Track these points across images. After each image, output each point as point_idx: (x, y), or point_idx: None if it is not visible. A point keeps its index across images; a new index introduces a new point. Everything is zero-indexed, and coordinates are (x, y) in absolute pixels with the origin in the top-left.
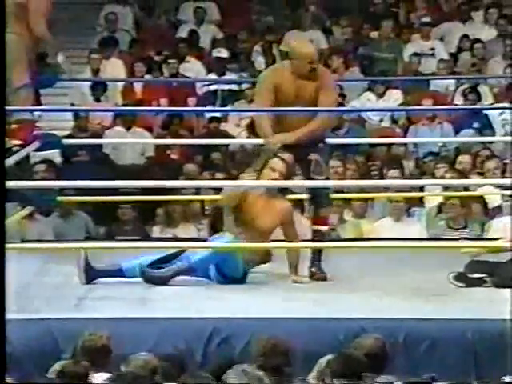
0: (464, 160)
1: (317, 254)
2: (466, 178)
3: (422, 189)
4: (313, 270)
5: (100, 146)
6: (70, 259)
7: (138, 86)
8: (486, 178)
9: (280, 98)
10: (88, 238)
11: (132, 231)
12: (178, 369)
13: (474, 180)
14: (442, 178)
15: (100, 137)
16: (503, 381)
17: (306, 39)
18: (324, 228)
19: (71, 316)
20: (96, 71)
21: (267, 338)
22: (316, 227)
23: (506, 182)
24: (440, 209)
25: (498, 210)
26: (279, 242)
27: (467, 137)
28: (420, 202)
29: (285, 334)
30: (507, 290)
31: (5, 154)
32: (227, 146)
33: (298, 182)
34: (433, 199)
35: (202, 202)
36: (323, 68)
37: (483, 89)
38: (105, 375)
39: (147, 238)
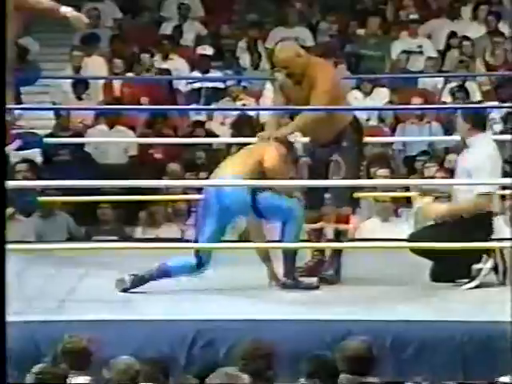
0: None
1: (336, 256)
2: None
3: (409, 189)
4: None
5: (82, 144)
6: (51, 261)
7: (119, 84)
8: None
9: (285, 101)
10: (70, 239)
11: (112, 232)
12: (161, 372)
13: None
14: (432, 177)
15: (82, 135)
16: (498, 381)
17: (284, 43)
18: (345, 227)
19: (52, 319)
20: (77, 69)
21: (250, 341)
22: (337, 226)
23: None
24: None
25: None
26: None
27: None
28: (407, 202)
29: (270, 336)
30: (497, 291)
31: (5, 154)
32: (211, 144)
33: (287, 182)
34: (421, 199)
35: (188, 201)
36: (316, 66)
37: (471, 86)
38: (84, 379)
39: (127, 238)
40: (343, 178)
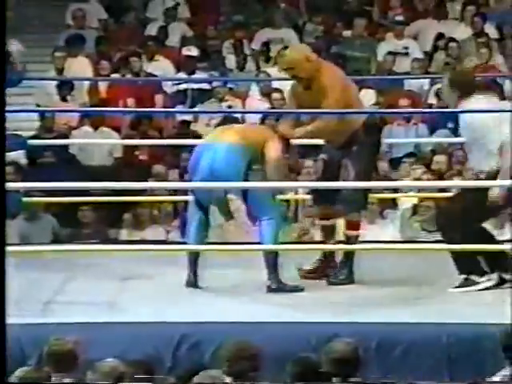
0: (440, 160)
1: (348, 260)
2: (443, 179)
3: (395, 190)
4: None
5: (66, 146)
6: (36, 263)
7: (104, 85)
8: (462, 179)
9: (297, 105)
10: (54, 241)
11: (95, 234)
12: (147, 374)
13: (453, 182)
14: (419, 179)
15: (66, 137)
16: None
17: (296, 45)
18: (353, 233)
19: (37, 321)
20: (60, 70)
21: (235, 343)
22: (346, 232)
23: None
24: (414, 211)
25: None
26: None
27: (442, 137)
28: (393, 203)
29: (255, 338)
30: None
31: (5, 154)
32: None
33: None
34: (407, 201)
35: (174, 203)
36: (326, 73)
37: None
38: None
39: (113, 240)
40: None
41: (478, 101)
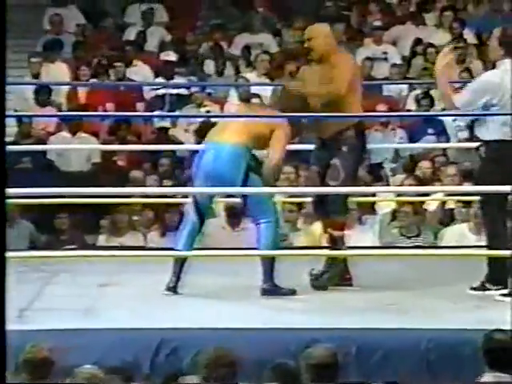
0: (424, 166)
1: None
2: (425, 184)
3: (374, 196)
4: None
5: (44, 152)
6: (11, 269)
7: (83, 91)
8: (443, 184)
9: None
10: (32, 248)
11: (73, 240)
12: (125, 381)
13: (437, 187)
14: (401, 185)
15: (44, 143)
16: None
17: (321, 24)
18: (339, 233)
19: (13, 328)
20: (36, 76)
21: (213, 349)
22: (332, 232)
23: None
24: (393, 216)
25: (450, 217)
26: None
27: (426, 143)
28: (372, 209)
29: (233, 344)
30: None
31: (5, 156)
32: (175, 151)
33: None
34: (385, 206)
35: (154, 209)
36: (337, 51)
37: (436, 94)
38: None
39: (87, 247)
40: (340, 184)
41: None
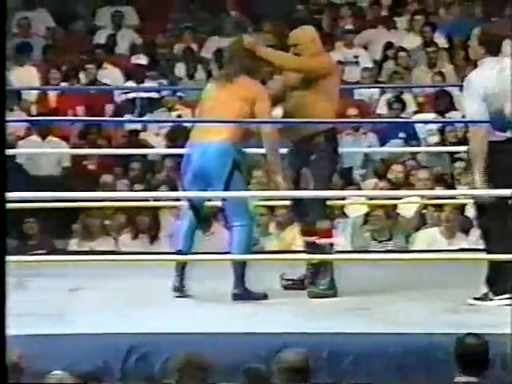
0: (396, 169)
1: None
2: (397, 188)
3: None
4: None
5: (14, 156)
6: None
7: (53, 94)
8: (414, 188)
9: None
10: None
11: (41, 245)
12: None
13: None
14: (374, 188)
15: (13, 147)
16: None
17: (302, 27)
18: (327, 241)
19: None
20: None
21: (185, 354)
22: (320, 241)
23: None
24: (365, 220)
25: (421, 222)
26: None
27: (395, 147)
28: (343, 213)
29: (205, 349)
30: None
31: (5, 157)
32: (146, 156)
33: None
34: (357, 210)
35: (127, 213)
36: (323, 54)
37: (407, 98)
38: None
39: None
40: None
41: (490, 63)
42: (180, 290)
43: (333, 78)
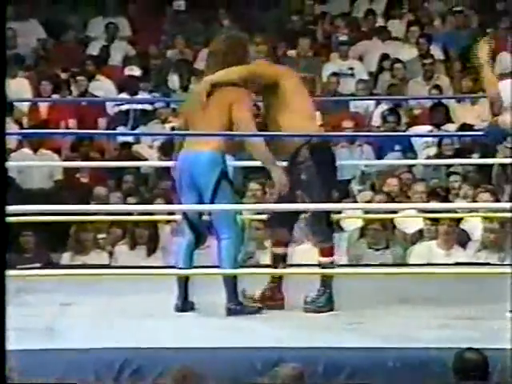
0: (392, 183)
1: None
2: (393, 201)
3: (340, 213)
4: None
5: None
6: None
7: (44, 106)
8: (411, 201)
9: None
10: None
11: (36, 259)
12: None
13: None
14: (369, 201)
15: (5, 160)
16: None
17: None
18: (327, 260)
19: None
20: None
21: (178, 369)
22: (319, 259)
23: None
24: (362, 233)
25: (418, 235)
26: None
27: (392, 159)
28: (338, 226)
29: (200, 363)
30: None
31: (6, 173)
32: (139, 168)
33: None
34: (353, 223)
35: (121, 227)
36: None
37: (403, 110)
38: None
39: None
40: (313, 214)
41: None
42: (184, 307)
43: (288, 87)
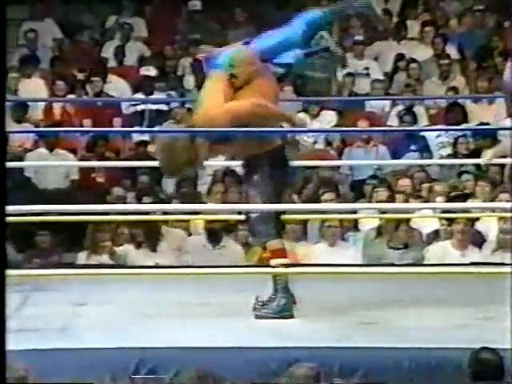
0: (404, 184)
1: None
2: (407, 201)
3: (355, 213)
4: None
5: (21, 169)
6: None
7: (59, 107)
8: (425, 201)
9: None
10: (9, 267)
11: (52, 258)
12: None
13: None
14: (382, 201)
15: (21, 159)
16: None
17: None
18: (279, 262)
19: None
20: (14, 91)
21: (194, 369)
22: (272, 262)
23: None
24: (379, 232)
25: (434, 235)
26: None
27: (410, 159)
28: (354, 226)
29: (215, 363)
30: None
31: (5, 174)
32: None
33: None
34: (368, 223)
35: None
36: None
37: (419, 110)
38: None
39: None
40: (258, 213)
41: None
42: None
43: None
